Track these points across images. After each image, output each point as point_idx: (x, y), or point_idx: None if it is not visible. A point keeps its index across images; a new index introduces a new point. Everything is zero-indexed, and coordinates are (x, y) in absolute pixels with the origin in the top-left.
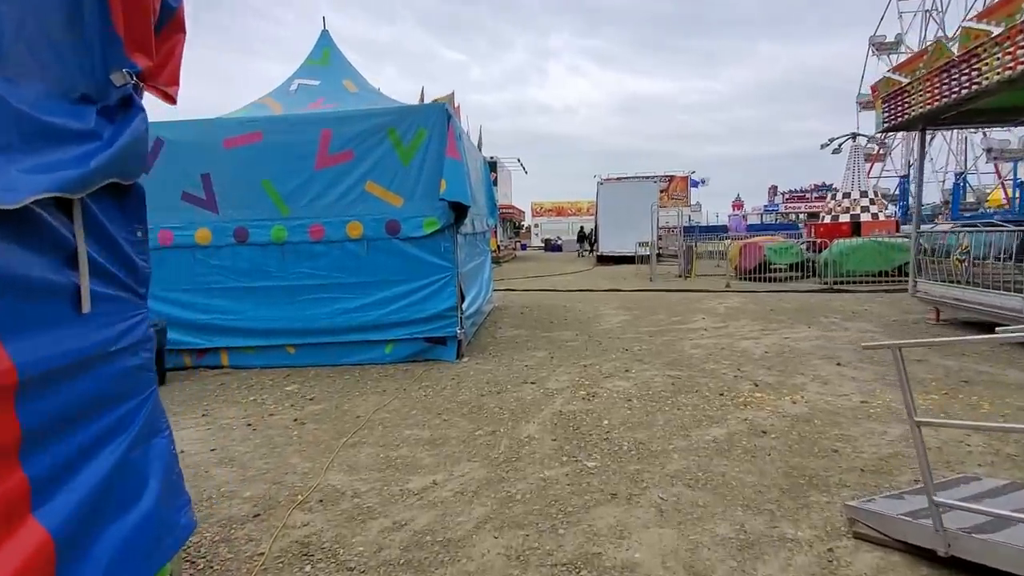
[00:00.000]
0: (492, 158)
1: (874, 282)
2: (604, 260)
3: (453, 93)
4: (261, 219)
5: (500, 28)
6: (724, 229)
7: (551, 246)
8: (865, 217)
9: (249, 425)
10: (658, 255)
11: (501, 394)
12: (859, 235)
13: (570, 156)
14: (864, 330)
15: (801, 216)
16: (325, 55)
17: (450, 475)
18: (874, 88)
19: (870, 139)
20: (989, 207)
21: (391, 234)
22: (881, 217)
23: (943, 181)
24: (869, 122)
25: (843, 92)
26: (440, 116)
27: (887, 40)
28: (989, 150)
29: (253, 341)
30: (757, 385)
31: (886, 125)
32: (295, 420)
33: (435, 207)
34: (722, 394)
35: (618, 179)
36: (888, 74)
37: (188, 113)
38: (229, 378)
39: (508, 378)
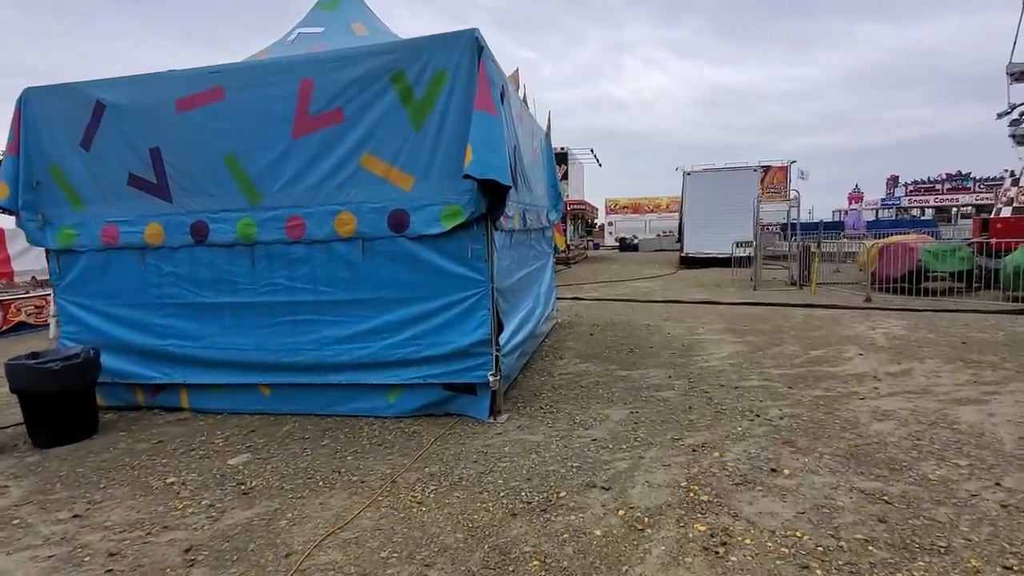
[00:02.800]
0: (563, 148)
1: None
2: (689, 262)
3: (517, 71)
4: (224, 210)
5: (573, 24)
6: (838, 226)
7: (627, 245)
8: None
9: (112, 557)
10: (749, 257)
11: (548, 513)
12: None
13: (646, 152)
14: None
15: (928, 211)
16: None
17: None
18: None
19: None
20: None
21: (396, 230)
22: None
23: None
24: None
25: (959, 75)
26: (467, 50)
27: None
28: None
29: (218, 377)
30: None
31: None
32: (186, 552)
33: (459, 190)
34: (1011, 567)
35: (704, 170)
36: None
37: None
38: (177, 430)
39: (563, 467)
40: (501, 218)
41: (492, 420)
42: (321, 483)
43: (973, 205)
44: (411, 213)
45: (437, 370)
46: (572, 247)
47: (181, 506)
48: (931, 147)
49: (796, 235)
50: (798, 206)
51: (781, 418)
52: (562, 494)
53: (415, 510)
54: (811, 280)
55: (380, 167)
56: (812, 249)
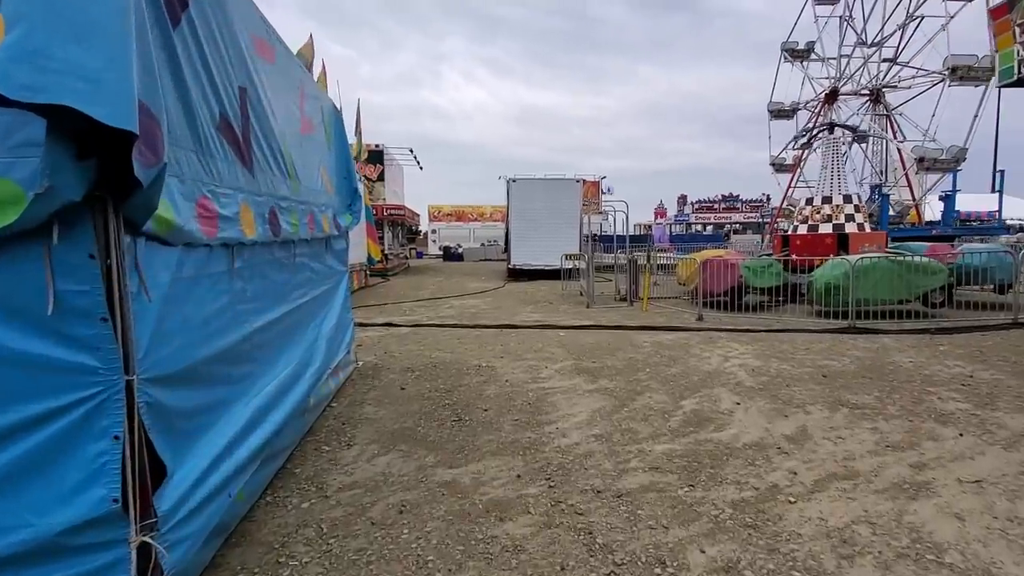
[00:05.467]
0: (378, 146)
1: (897, 314)
2: (517, 274)
3: (311, 38)
4: None
5: (391, 28)
6: (642, 239)
7: (451, 254)
8: (851, 228)
9: None
10: (575, 269)
11: None
12: (846, 250)
13: (467, 163)
14: None
15: (708, 227)
16: None
17: None
18: (1000, 10)
19: (855, 131)
20: (910, 223)
21: None
22: (867, 228)
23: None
24: (780, 131)
25: (713, 117)
26: None
27: (799, 47)
28: (921, 159)
29: None
30: None
31: None
32: None
33: (10, 145)
34: None
35: (529, 179)
36: None
37: None
38: None
39: None
40: (194, 221)
41: None
42: None
43: (741, 223)
44: None
45: None
46: (391, 257)
47: None
48: (700, 174)
49: (625, 248)
50: (626, 219)
51: (714, 573)
52: None
53: None
54: (643, 297)
55: None
56: (640, 262)
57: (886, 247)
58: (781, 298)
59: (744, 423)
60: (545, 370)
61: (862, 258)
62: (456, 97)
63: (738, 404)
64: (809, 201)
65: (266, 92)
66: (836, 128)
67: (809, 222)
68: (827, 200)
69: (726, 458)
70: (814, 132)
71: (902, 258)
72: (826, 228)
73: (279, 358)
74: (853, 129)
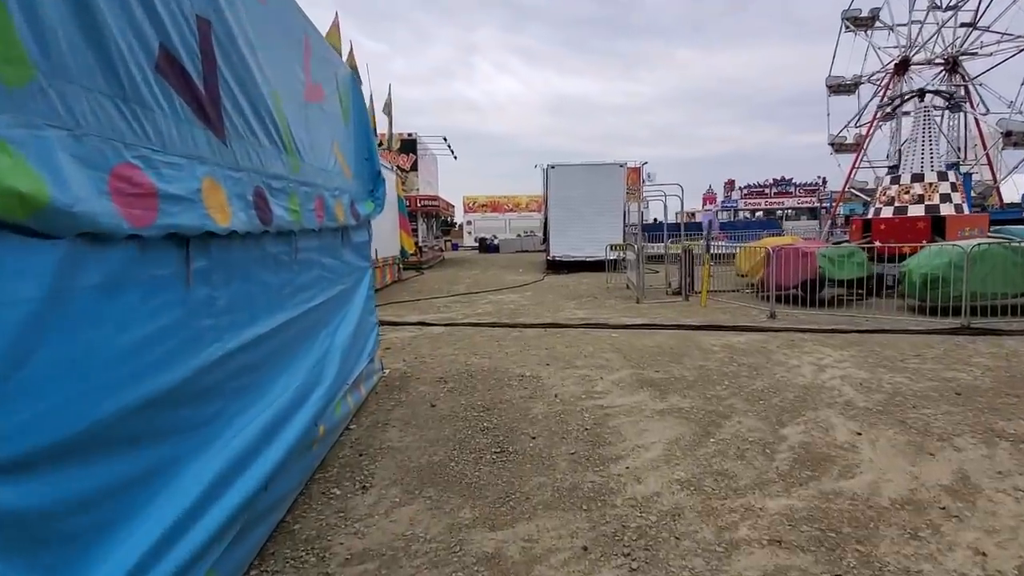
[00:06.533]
0: (411, 135)
1: (1013, 310)
2: (556, 266)
3: (336, 15)
4: None
5: (422, 19)
6: (697, 227)
7: (487, 246)
8: (947, 209)
9: None
10: (620, 260)
11: None
12: (942, 235)
13: (501, 155)
14: None
15: (758, 214)
16: None
17: None
18: None
19: (950, 98)
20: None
21: None
22: (966, 210)
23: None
24: (841, 107)
25: (751, 101)
26: None
27: (863, 15)
28: (1008, 133)
29: None
30: None
31: None
32: None
33: None
34: None
35: (569, 164)
36: None
37: None
38: None
39: None
40: (102, 199)
41: None
42: None
43: (794, 208)
44: None
45: None
46: (425, 249)
47: None
48: (741, 159)
49: (678, 236)
50: (681, 205)
51: None
52: None
53: None
54: (701, 291)
55: None
56: (696, 252)
57: (988, 232)
58: (862, 291)
59: (878, 465)
60: (600, 382)
61: (978, 244)
62: (488, 88)
63: (859, 435)
64: (895, 179)
65: (247, 34)
66: (928, 94)
67: (896, 203)
68: (917, 178)
69: (873, 524)
70: (903, 99)
71: (1019, 244)
72: (917, 210)
73: (273, 382)
74: (949, 96)
